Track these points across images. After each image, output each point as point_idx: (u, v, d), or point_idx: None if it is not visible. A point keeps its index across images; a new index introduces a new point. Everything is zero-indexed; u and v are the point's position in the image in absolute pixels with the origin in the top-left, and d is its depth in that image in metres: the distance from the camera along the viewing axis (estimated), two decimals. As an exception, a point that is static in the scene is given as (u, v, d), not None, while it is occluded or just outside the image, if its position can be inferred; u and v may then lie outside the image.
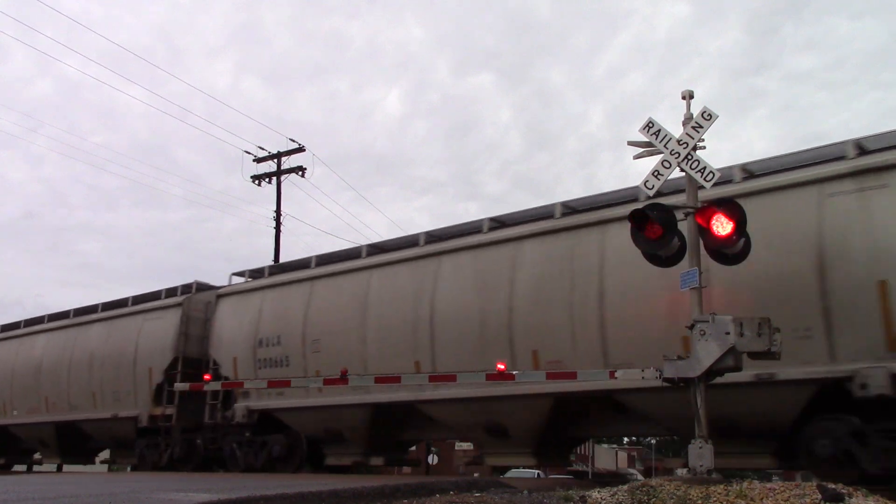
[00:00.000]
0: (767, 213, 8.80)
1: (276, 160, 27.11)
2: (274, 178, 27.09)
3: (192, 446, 15.24)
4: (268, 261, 25.40)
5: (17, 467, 21.37)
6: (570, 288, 10.33)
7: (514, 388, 10.54)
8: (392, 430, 13.30)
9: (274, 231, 26.41)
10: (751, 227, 7.82)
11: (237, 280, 15.74)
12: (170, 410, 15.30)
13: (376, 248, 13.51)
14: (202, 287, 16.22)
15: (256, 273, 15.53)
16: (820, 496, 5.56)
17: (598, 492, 6.61)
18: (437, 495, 6.29)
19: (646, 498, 6.19)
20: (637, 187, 9.32)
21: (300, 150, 26.86)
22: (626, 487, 6.55)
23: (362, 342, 12.45)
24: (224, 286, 15.81)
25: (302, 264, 14.63)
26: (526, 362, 10.46)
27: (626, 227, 8.24)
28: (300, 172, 26.91)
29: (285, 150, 27.01)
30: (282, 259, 24.98)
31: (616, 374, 8.41)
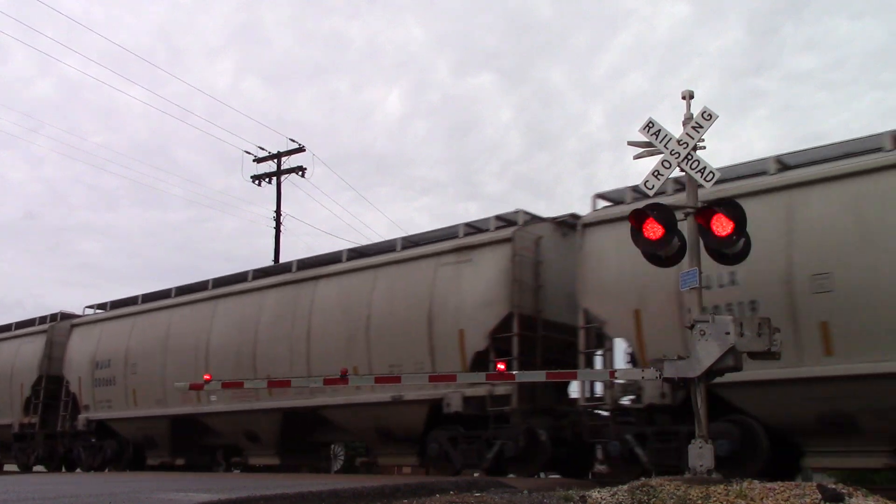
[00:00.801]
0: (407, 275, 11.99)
1: (276, 160, 27.09)
2: (274, 179, 27.07)
3: (54, 449, 18.26)
4: (268, 261, 25.43)
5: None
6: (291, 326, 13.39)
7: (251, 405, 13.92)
8: (192, 435, 15.84)
9: (274, 231, 26.44)
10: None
11: (89, 311, 18.67)
12: (34, 420, 18.44)
13: (182, 290, 16.46)
14: (66, 316, 19.16)
15: (102, 307, 18.42)
16: (820, 496, 5.56)
17: (598, 492, 6.61)
18: (437, 495, 6.28)
19: (646, 498, 6.18)
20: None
21: (300, 150, 26.82)
22: (626, 487, 6.54)
23: (163, 366, 15.53)
24: (79, 316, 18.85)
25: (132, 301, 17.57)
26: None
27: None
28: (300, 172, 26.88)
29: (285, 150, 26.99)
30: (282, 259, 25.00)
31: (616, 374, 8.42)
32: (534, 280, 11.13)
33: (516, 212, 11.73)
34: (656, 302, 9.40)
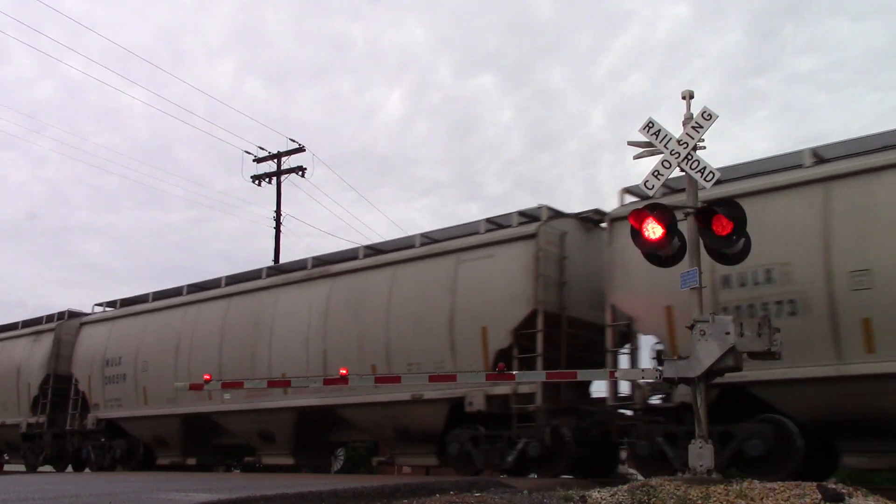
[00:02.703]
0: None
1: (276, 160, 27.10)
2: (274, 179, 27.08)
3: (63, 449, 18.00)
4: (268, 261, 25.44)
5: None
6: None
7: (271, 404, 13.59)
8: (205, 435, 15.85)
9: (274, 232, 26.44)
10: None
11: (98, 310, 18.67)
12: (42, 419, 18.18)
13: (194, 288, 16.47)
14: (74, 314, 19.06)
15: (111, 304, 18.36)
16: (820, 496, 5.56)
17: (598, 492, 6.61)
18: (437, 495, 6.28)
19: (646, 498, 6.18)
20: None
21: (300, 150, 26.83)
22: (626, 487, 6.54)
23: (175, 364, 15.40)
24: (88, 314, 18.83)
25: (143, 299, 17.55)
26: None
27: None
28: (300, 172, 26.89)
29: (285, 150, 27.01)
30: (282, 259, 25.01)
31: (616, 374, 8.42)
32: (558, 276, 10.98)
33: (539, 207, 11.51)
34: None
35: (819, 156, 9.20)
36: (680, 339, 9.14)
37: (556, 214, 11.57)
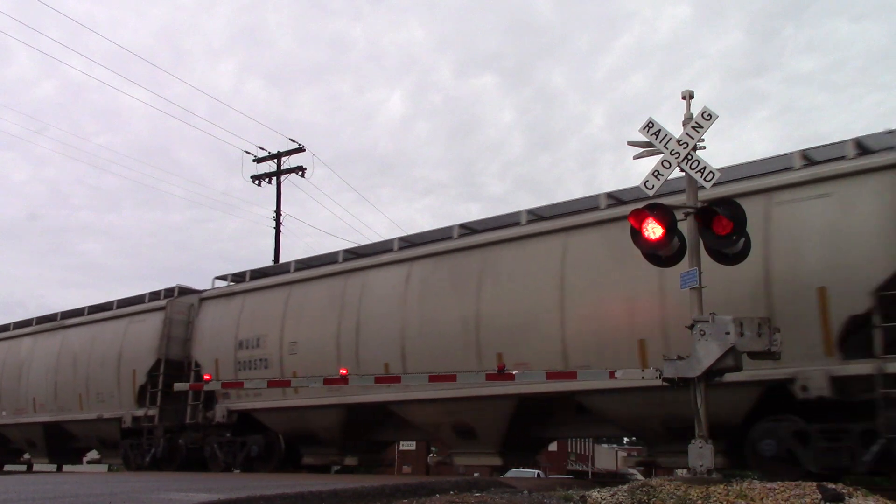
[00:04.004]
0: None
1: (276, 160, 27.14)
2: (274, 179, 27.12)
3: (175, 446, 15.40)
4: (268, 261, 25.42)
5: (8, 467, 21.57)
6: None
7: (481, 390, 10.81)
8: (365, 431, 13.62)
9: (274, 231, 26.45)
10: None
11: (220, 284, 16.01)
12: (152, 411, 15.51)
13: (352, 254, 13.92)
14: (184, 291, 16.47)
15: (238, 277, 15.77)
16: (820, 496, 5.56)
17: (598, 492, 6.62)
18: (437, 495, 6.29)
19: (646, 498, 6.19)
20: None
21: (300, 150, 26.87)
22: (626, 487, 6.55)
23: (337, 345, 12.79)
24: (207, 289, 16.06)
25: (282, 269, 15.07)
26: (492, 364, 10.51)
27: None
28: (300, 172, 26.92)
29: (285, 150, 27.04)
30: (282, 260, 25.00)
31: (616, 374, 8.41)
32: None
33: (890, 132, 8.94)
34: None
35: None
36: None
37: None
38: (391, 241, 13.35)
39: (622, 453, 69.96)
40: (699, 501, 5.89)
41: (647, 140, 8.14)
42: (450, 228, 12.53)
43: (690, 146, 7.83)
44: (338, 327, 12.87)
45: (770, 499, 5.66)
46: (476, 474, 12.53)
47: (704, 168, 7.71)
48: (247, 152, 27.40)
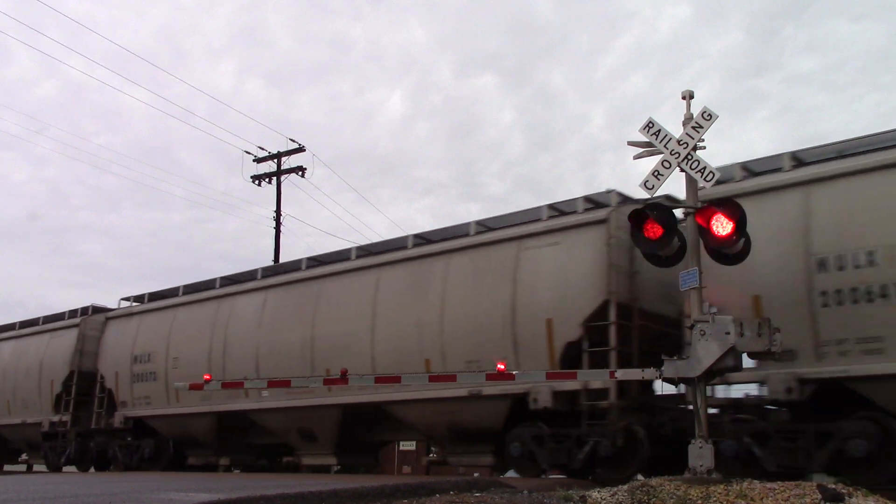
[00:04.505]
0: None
1: (276, 160, 27.12)
2: (274, 179, 27.10)
3: (86, 448, 17.22)
4: (268, 261, 25.43)
5: (8, 467, 22.26)
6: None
7: (310, 401, 13.09)
8: (238, 434, 15.24)
9: (274, 231, 26.45)
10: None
11: (124, 304, 17.96)
12: (66, 417, 17.40)
13: (228, 280, 15.89)
14: (98, 310, 18.28)
15: (139, 299, 17.75)
16: (820, 496, 5.56)
17: (598, 492, 6.61)
18: (437, 495, 6.28)
19: (646, 498, 6.18)
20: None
21: (300, 150, 26.84)
22: (625, 487, 6.54)
23: (209, 360, 14.72)
24: (113, 309, 18.04)
25: (172, 293, 16.92)
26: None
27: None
28: (300, 172, 26.90)
29: (285, 150, 27.02)
30: (282, 259, 25.01)
31: (616, 374, 8.41)
32: (629, 265, 10.28)
33: (608, 192, 10.89)
34: (779, 286, 8.69)
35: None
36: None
37: (626, 200, 10.79)
38: (256, 270, 15.48)
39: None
40: (699, 501, 5.89)
41: (647, 140, 8.12)
42: (299, 261, 14.75)
43: (690, 146, 7.82)
44: (210, 345, 14.91)
45: (770, 499, 5.66)
46: (476, 474, 12.48)
47: (704, 168, 7.70)
48: (247, 152, 27.42)
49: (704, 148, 7.86)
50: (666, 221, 7.68)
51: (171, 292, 17.03)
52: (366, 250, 13.70)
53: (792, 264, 8.76)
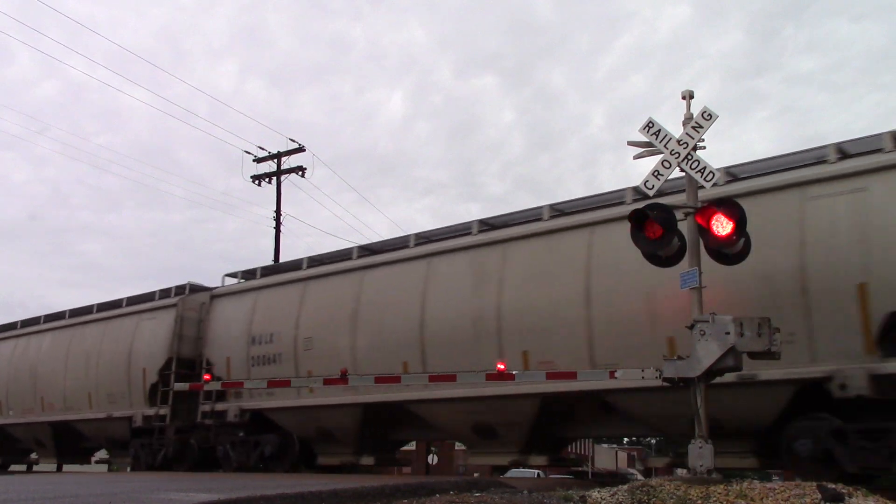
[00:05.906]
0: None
1: (276, 160, 27.16)
2: (274, 179, 27.13)
3: (186, 446, 15.18)
4: (268, 261, 25.42)
5: (13, 467, 21.37)
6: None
7: (502, 389, 10.72)
8: (382, 430, 13.40)
9: (274, 231, 26.46)
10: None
11: (230, 281, 15.91)
12: (164, 411, 15.28)
13: (367, 250, 13.76)
14: (196, 288, 16.21)
15: (249, 274, 15.70)
16: (820, 496, 5.56)
17: (598, 492, 6.62)
18: (437, 495, 6.29)
19: (646, 498, 6.19)
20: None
21: (300, 150, 26.89)
22: (626, 487, 6.55)
23: (353, 342, 12.67)
24: (218, 287, 15.92)
25: (294, 265, 14.89)
26: (517, 363, 10.59)
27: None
28: (300, 172, 26.95)
29: (285, 150, 27.06)
30: (282, 260, 25.01)
31: (616, 374, 8.41)
32: None
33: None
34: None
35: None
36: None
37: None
38: (407, 237, 13.20)
39: (622, 453, 69.98)
40: (699, 501, 5.89)
41: (647, 140, 8.14)
42: (469, 224, 12.47)
43: (690, 146, 7.83)
44: (352, 323, 12.78)
45: (770, 499, 5.67)
46: (476, 474, 12.49)
47: (704, 168, 7.72)
48: (247, 152, 27.46)
49: (704, 148, 7.89)
50: (666, 221, 7.69)
51: (291, 265, 15.19)
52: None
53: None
